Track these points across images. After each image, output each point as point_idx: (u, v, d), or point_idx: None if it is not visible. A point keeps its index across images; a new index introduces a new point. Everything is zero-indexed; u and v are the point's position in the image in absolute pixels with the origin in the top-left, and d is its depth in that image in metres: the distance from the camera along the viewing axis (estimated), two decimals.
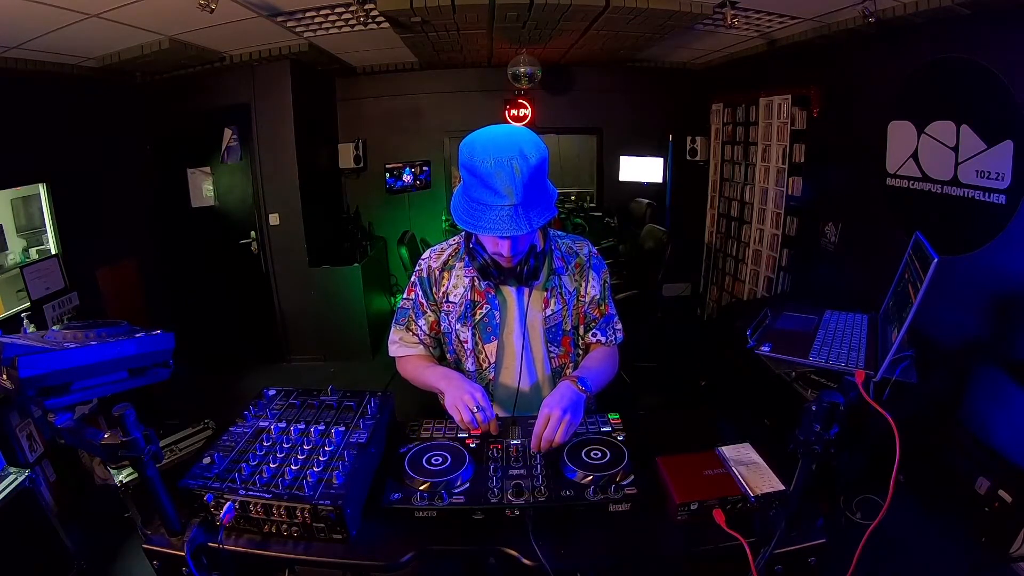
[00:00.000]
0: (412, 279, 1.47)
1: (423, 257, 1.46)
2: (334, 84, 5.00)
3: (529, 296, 1.39)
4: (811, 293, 3.58)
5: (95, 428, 0.89)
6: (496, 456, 1.14)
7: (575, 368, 1.46)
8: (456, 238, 1.46)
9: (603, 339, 1.47)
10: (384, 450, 1.19)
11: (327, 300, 4.41)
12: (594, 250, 1.49)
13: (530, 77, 4.14)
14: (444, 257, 1.43)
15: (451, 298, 1.41)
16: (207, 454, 1.07)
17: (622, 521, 1.02)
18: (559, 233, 1.49)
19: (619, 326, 1.50)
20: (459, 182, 1.24)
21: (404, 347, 1.48)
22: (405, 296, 1.49)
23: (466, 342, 1.41)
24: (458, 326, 1.41)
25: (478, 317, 1.39)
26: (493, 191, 1.12)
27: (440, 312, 1.44)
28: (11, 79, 2.93)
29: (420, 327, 1.46)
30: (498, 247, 1.22)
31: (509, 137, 1.14)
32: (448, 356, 1.49)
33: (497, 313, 1.39)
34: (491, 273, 1.31)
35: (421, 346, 1.47)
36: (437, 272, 1.43)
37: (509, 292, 1.40)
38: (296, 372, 4.45)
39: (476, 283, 1.39)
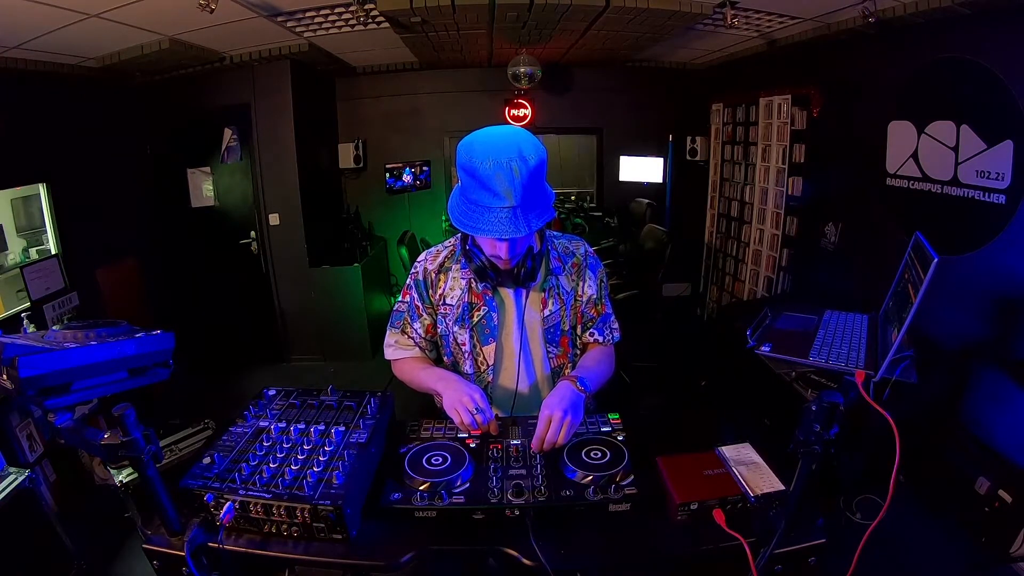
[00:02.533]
0: (408, 282, 1.46)
1: (419, 259, 1.46)
2: (334, 84, 5.00)
3: (527, 297, 1.39)
4: (811, 293, 3.58)
5: (95, 428, 0.89)
6: (496, 456, 1.14)
7: (574, 368, 1.46)
8: (452, 240, 1.46)
9: (600, 338, 1.47)
10: (384, 450, 1.19)
11: (327, 300, 4.41)
12: (590, 250, 1.49)
13: (530, 77, 4.14)
14: (440, 259, 1.43)
15: (448, 300, 1.41)
16: (207, 454, 1.07)
17: (622, 521, 1.02)
18: (555, 233, 1.49)
19: (616, 325, 1.50)
20: (458, 182, 1.24)
21: (400, 350, 1.47)
22: (400, 299, 1.48)
23: (464, 344, 1.41)
24: (456, 328, 1.41)
25: (476, 319, 1.39)
26: (492, 193, 1.12)
27: (437, 315, 1.44)
28: (11, 79, 2.93)
29: (415, 330, 1.45)
30: (496, 249, 1.22)
31: (508, 138, 1.14)
32: (445, 359, 1.49)
33: (495, 315, 1.39)
34: (488, 275, 1.30)
35: (417, 349, 1.47)
36: (433, 274, 1.42)
37: (507, 293, 1.40)
38: (296, 372, 4.45)
39: (473, 285, 1.39)
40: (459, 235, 1.43)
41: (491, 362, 1.40)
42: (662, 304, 4.18)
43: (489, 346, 1.40)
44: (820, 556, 0.98)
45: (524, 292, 1.38)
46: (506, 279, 1.32)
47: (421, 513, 1.01)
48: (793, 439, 0.90)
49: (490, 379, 1.42)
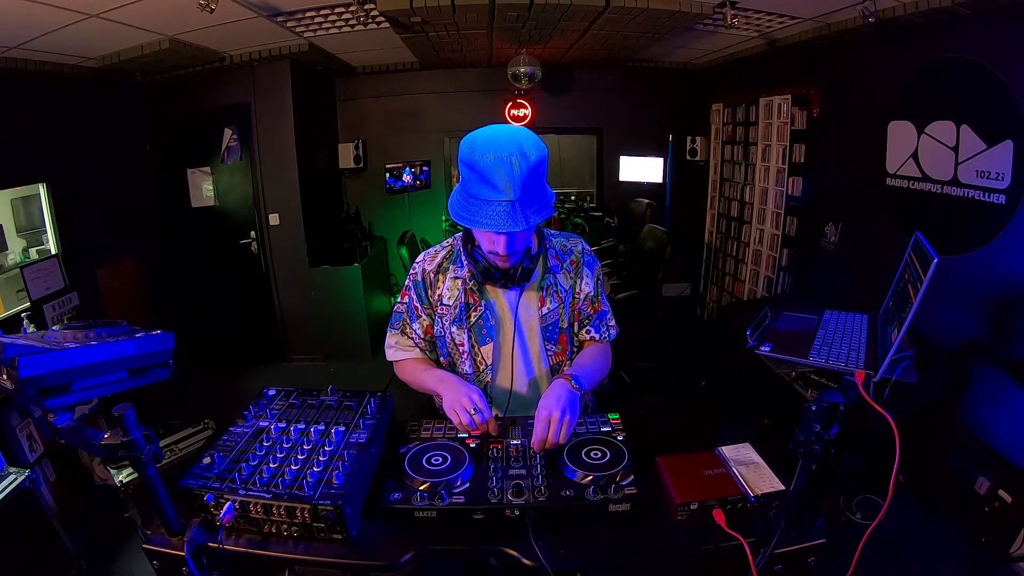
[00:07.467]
0: (407, 282, 1.47)
1: (417, 260, 1.46)
2: (334, 84, 5.00)
3: (523, 296, 1.39)
4: (811, 293, 3.58)
5: (95, 428, 0.89)
6: (496, 456, 1.14)
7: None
8: (450, 240, 1.46)
9: (597, 335, 1.47)
10: (384, 450, 1.19)
11: (327, 300, 4.41)
12: (587, 247, 1.50)
13: (530, 77, 4.14)
14: (438, 260, 1.43)
15: (445, 300, 1.41)
16: (207, 454, 1.07)
17: (622, 521, 1.02)
18: (552, 232, 1.49)
19: (612, 322, 1.50)
20: (458, 181, 1.25)
21: (400, 351, 1.48)
22: (399, 300, 1.49)
23: (462, 344, 1.41)
24: (453, 329, 1.41)
25: (473, 319, 1.39)
26: (492, 186, 1.13)
27: (435, 315, 1.44)
28: (11, 79, 2.93)
29: (415, 331, 1.46)
30: (494, 245, 1.22)
31: (510, 135, 1.16)
32: (441, 359, 1.49)
33: (492, 315, 1.39)
34: (493, 275, 1.31)
35: (417, 350, 1.47)
36: (432, 275, 1.42)
37: (503, 294, 1.40)
38: (296, 372, 4.45)
39: (470, 285, 1.39)
40: (458, 235, 1.43)
41: (489, 362, 1.40)
42: (662, 304, 4.17)
43: (487, 346, 1.40)
44: (820, 556, 0.98)
45: (521, 291, 1.39)
46: (502, 279, 1.32)
47: (421, 513, 1.01)
48: (793, 439, 0.90)
49: (489, 379, 1.42)
